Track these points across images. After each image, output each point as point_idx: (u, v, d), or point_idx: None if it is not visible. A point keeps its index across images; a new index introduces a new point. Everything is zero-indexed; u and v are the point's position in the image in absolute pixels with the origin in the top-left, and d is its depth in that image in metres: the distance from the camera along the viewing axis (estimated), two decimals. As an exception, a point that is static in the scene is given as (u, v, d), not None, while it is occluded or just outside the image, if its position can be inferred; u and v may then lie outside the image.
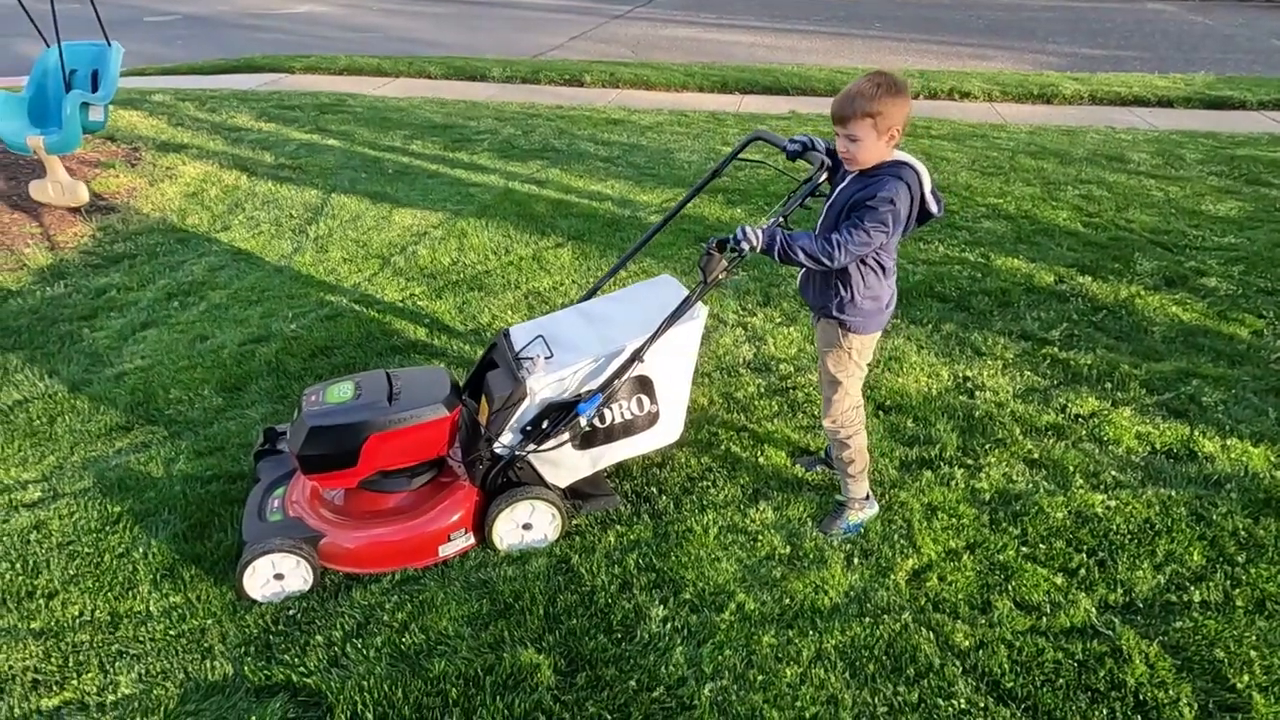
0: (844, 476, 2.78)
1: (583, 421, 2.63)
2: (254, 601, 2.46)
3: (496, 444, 2.63)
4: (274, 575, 2.46)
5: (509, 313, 4.18)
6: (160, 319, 4.14)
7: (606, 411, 2.71)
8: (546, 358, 2.64)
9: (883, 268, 2.48)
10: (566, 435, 2.65)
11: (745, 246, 2.31)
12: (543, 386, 2.61)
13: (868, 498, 2.81)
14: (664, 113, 8.36)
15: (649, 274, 4.60)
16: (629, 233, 5.19)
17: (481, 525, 2.65)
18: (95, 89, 5.20)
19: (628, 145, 7.09)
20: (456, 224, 5.30)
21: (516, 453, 2.62)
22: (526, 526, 2.68)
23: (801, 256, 2.32)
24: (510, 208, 5.60)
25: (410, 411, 2.48)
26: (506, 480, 2.65)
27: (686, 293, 2.66)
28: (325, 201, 5.68)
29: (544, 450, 2.65)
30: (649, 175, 6.31)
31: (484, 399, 2.75)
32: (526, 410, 2.62)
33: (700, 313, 2.79)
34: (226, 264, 4.74)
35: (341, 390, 2.54)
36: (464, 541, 2.65)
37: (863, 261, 2.43)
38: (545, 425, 2.62)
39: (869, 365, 2.66)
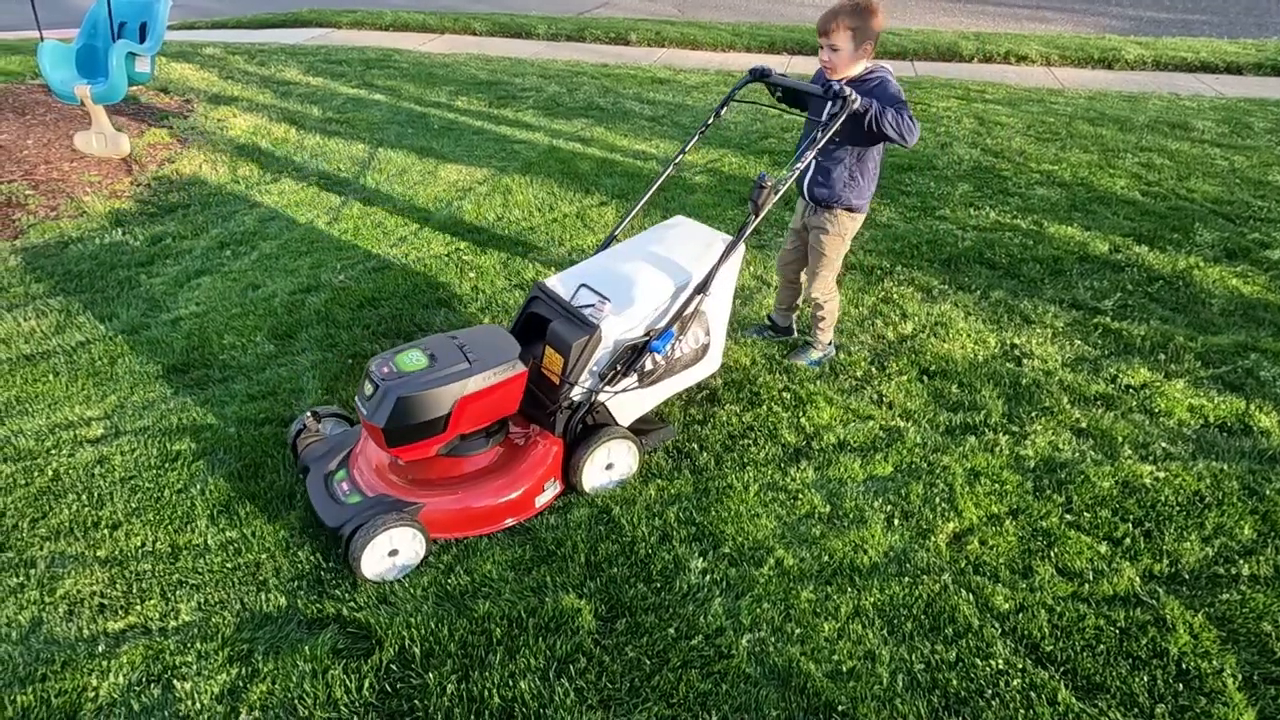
0: (816, 329, 3.42)
1: (659, 358, 2.72)
2: (367, 580, 2.39)
3: (575, 390, 2.66)
4: (389, 552, 2.40)
5: (553, 269, 4.20)
6: (214, 267, 4.24)
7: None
8: (607, 301, 2.67)
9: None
10: (636, 374, 2.72)
11: (854, 104, 2.70)
12: (615, 329, 2.65)
13: (831, 343, 3.49)
14: (710, 73, 8.23)
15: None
16: (672, 192, 5.15)
17: (566, 472, 2.69)
18: (143, 41, 5.28)
19: (673, 105, 7.01)
20: (501, 180, 5.31)
21: (594, 396, 2.68)
22: (608, 466, 2.74)
23: (889, 127, 2.75)
24: (555, 165, 5.59)
25: (492, 370, 2.44)
26: (584, 425, 2.71)
27: (705, 229, 2.97)
28: (372, 155, 5.73)
29: (617, 391, 2.71)
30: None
31: (548, 350, 2.72)
32: (601, 354, 2.66)
33: (739, 246, 2.88)
34: (276, 215, 4.82)
35: (413, 358, 2.44)
36: (554, 490, 2.69)
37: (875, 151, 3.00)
38: (619, 366, 2.68)
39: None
